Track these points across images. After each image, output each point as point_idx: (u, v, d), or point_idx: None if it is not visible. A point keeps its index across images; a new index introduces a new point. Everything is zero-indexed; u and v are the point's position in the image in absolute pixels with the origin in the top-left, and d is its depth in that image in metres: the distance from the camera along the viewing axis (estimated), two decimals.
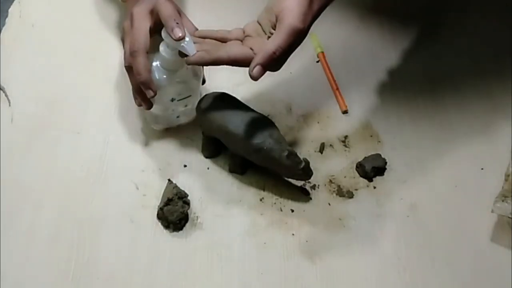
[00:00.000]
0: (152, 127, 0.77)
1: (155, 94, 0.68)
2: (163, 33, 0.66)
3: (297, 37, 0.63)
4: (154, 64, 0.70)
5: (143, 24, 0.69)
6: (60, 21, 0.88)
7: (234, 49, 0.65)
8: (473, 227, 0.71)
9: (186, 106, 0.74)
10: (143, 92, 0.69)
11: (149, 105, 0.71)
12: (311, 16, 0.65)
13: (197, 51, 0.65)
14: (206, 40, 0.68)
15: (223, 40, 0.68)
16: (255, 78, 0.63)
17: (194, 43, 0.66)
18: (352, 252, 0.69)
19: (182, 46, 0.65)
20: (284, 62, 0.66)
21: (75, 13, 0.89)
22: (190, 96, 0.72)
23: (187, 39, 0.65)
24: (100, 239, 0.68)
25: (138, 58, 0.67)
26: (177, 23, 0.65)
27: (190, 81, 0.72)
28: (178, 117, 0.75)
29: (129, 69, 0.69)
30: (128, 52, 0.69)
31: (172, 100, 0.72)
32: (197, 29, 0.72)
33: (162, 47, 0.68)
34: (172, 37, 0.65)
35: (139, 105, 0.72)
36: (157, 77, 0.69)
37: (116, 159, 0.74)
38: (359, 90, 0.83)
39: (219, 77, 0.82)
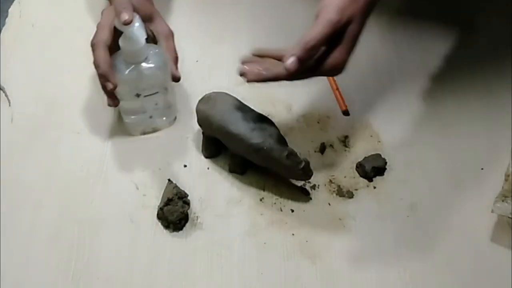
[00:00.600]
0: (131, 133, 0.76)
1: (115, 87, 0.68)
2: (116, 23, 0.66)
3: (333, 28, 0.61)
4: (116, 56, 0.69)
5: (107, 19, 0.70)
6: (60, 21, 0.88)
7: (279, 66, 0.64)
8: (473, 227, 0.71)
9: (156, 104, 0.74)
10: (108, 92, 0.69)
11: (115, 102, 0.71)
12: (354, 9, 0.62)
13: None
14: (265, 58, 0.67)
15: (280, 59, 0.64)
16: (289, 69, 0.61)
17: (246, 63, 0.65)
18: (352, 252, 0.69)
19: (131, 31, 0.65)
20: (324, 60, 0.63)
21: (75, 13, 0.89)
22: (157, 92, 0.72)
23: (136, 24, 0.65)
24: (100, 239, 0.68)
25: (97, 50, 0.68)
26: (125, 7, 0.65)
27: (154, 75, 0.70)
28: (151, 117, 0.75)
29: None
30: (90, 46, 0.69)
31: (138, 95, 0.71)
32: (172, 32, 0.75)
33: (120, 39, 0.68)
34: (120, 21, 0.65)
35: (109, 104, 0.71)
36: (118, 70, 0.69)
37: (116, 159, 0.74)
38: (359, 90, 0.83)
39: (219, 77, 0.82)
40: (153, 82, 0.71)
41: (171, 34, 0.75)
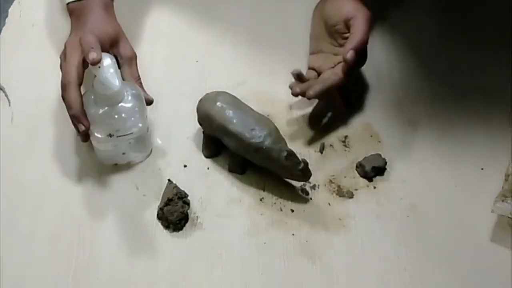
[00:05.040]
0: (102, 163, 0.74)
1: (87, 129, 0.66)
2: (90, 66, 0.64)
3: (370, 23, 0.75)
4: (89, 97, 0.67)
5: (74, 56, 0.68)
6: (60, 21, 0.88)
7: (338, 69, 0.75)
8: (473, 227, 0.71)
9: (130, 143, 0.70)
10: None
11: (84, 138, 0.69)
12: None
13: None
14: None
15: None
16: (350, 61, 0.72)
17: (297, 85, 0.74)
18: (352, 252, 0.69)
19: (104, 77, 0.63)
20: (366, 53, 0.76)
21: None
22: (131, 133, 0.69)
23: (111, 70, 0.63)
24: (100, 239, 0.68)
25: (69, 91, 0.66)
26: (92, 47, 0.64)
27: (130, 118, 0.68)
28: (124, 153, 0.72)
29: (63, 99, 0.68)
30: (61, 85, 0.67)
31: (110, 135, 0.68)
32: (135, 55, 0.75)
33: (94, 81, 0.65)
34: (88, 62, 0.63)
35: (82, 140, 0.70)
36: (91, 112, 0.66)
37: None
38: (359, 90, 0.83)
39: (219, 77, 0.82)
40: (129, 123, 0.68)
41: (134, 57, 0.75)
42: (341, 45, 0.77)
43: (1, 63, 0.82)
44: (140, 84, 0.75)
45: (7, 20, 0.88)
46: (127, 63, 0.74)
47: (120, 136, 0.68)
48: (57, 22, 0.88)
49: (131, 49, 0.75)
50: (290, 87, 0.75)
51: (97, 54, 0.63)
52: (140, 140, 0.72)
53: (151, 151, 0.75)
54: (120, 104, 0.67)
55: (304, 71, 0.78)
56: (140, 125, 0.69)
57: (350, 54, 0.72)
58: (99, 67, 0.63)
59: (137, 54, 0.76)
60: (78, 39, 0.68)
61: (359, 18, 0.74)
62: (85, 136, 0.69)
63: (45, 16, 0.89)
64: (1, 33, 0.86)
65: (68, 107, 0.67)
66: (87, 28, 0.72)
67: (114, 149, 0.71)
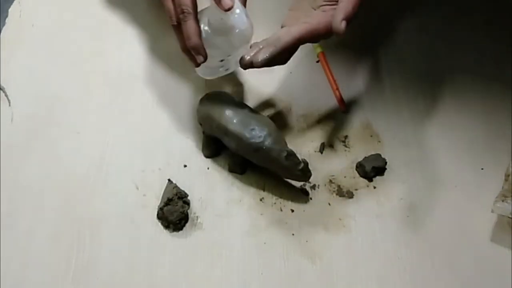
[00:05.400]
0: (198, 74, 0.74)
1: (206, 59, 0.66)
2: (211, 8, 0.63)
3: None
4: (204, 28, 0.66)
5: None
6: (60, 21, 0.88)
7: (294, 28, 0.66)
8: (473, 227, 0.71)
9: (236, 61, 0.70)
10: (191, 52, 0.67)
11: (198, 64, 0.68)
12: None
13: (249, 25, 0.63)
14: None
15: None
16: (342, 32, 0.64)
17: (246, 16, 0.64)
18: (352, 252, 0.69)
19: (230, 18, 0.62)
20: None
21: (75, 13, 0.89)
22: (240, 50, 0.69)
23: (237, 10, 0.62)
24: (100, 239, 0.68)
25: (188, 22, 0.64)
26: None
27: (243, 42, 0.68)
28: (227, 70, 0.73)
29: (177, 27, 0.66)
30: (175, 12, 0.65)
31: (222, 60, 0.70)
32: None
33: (208, 14, 0.64)
34: (221, 8, 0.62)
35: (191, 59, 0.69)
36: (206, 40, 0.66)
37: (116, 159, 0.74)
38: (359, 90, 0.83)
39: (219, 77, 0.82)
40: (241, 47, 0.68)
41: None
42: (318, 7, 0.69)
43: (1, 63, 0.82)
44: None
45: (7, 20, 0.88)
46: None
47: (230, 56, 0.69)
48: (57, 22, 0.88)
49: None
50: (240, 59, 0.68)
51: (232, 1, 0.61)
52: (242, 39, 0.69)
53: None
54: (234, 32, 0.66)
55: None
56: (249, 42, 0.68)
57: (343, 26, 0.64)
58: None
59: (137, 53, 0.76)
60: None
61: None
62: (198, 62, 0.67)
63: (45, 16, 0.89)
64: (1, 33, 0.86)
65: (187, 38, 0.65)
66: None
67: (219, 69, 0.71)
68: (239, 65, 0.69)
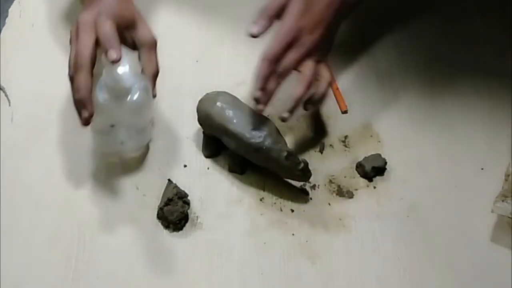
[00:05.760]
0: (97, 150, 0.72)
1: (90, 116, 0.63)
2: (103, 57, 0.62)
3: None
4: (100, 84, 0.64)
5: (87, 36, 0.64)
6: (60, 21, 0.88)
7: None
8: (473, 227, 0.71)
9: (129, 134, 0.69)
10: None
11: (85, 123, 0.65)
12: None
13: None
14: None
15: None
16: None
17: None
18: (352, 252, 0.69)
19: (118, 74, 0.61)
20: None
21: (75, 13, 0.89)
22: (133, 124, 0.68)
23: (124, 69, 0.61)
24: (100, 239, 0.68)
25: (80, 74, 0.62)
26: (112, 44, 0.62)
27: (136, 112, 0.67)
28: (122, 143, 0.70)
29: (71, 79, 0.65)
30: (71, 64, 0.64)
31: (112, 126, 0.67)
32: (155, 41, 0.68)
33: (105, 71, 0.63)
34: (107, 59, 0.61)
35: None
36: (99, 100, 0.64)
37: (116, 159, 0.74)
38: (359, 90, 0.83)
39: (219, 77, 0.82)
40: (133, 116, 0.67)
41: (154, 44, 0.69)
42: None
43: (1, 63, 0.82)
44: (156, 75, 0.69)
45: (7, 20, 0.88)
46: (145, 49, 0.68)
47: (122, 127, 0.67)
48: (57, 22, 0.88)
49: (150, 34, 0.68)
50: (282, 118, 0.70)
51: (117, 54, 0.61)
52: (140, 131, 0.70)
53: (148, 144, 0.73)
54: (128, 98, 0.65)
55: None
56: (144, 117, 0.68)
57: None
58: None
59: (137, 53, 0.76)
60: (92, 18, 0.64)
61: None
62: (86, 121, 0.64)
63: (45, 16, 0.89)
64: (1, 33, 0.86)
65: (76, 90, 0.63)
66: (102, 7, 0.66)
67: (111, 137, 0.69)
68: (138, 144, 0.70)
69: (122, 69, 0.62)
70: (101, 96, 0.65)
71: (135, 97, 0.65)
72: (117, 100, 0.65)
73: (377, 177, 0.75)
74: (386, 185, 0.74)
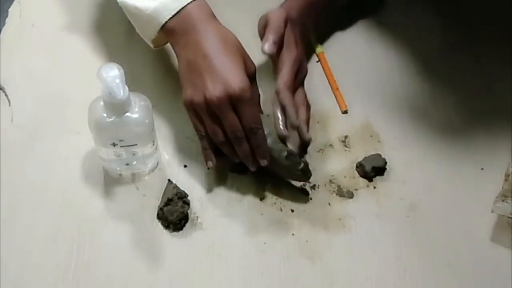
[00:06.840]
0: (108, 172, 0.73)
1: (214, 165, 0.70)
2: (98, 74, 0.62)
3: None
4: (99, 104, 0.65)
5: (231, 113, 0.67)
6: (60, 21, 0.88)
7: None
8: (473, 227, 0.71)
9: (134, 154, 0.69)
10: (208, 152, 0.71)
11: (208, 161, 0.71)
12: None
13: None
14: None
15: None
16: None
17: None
18: (352, 252, 0.69)
19: (110, 87, 0.61)
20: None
21: (75, 13, 0.89)
22: (135, 144, 0.68)
23: (111, 73, 0.61)
24: (100, 239, 0.68)
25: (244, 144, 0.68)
26: (209, 155, 0.71)
27: (135, 129, 0.66)
28: (127, 164, 0.71)
29: (222, 144, 0.69)
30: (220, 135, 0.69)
31: (114, 145, 0.67)
32: (255, 68, 0.73)
33: (102, 89, 0.63)
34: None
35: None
36: (97, 118, 0.65)
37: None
38: (359, 90, 0.83)
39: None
40: (134, 135, 0.67)
41: (254, 71, 0.73)
42: None
43: (1, 63, 0.82)
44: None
45: (7, 20, 0.88)
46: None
47: (124, 146, 0.68)
48: (57, 22, 0.88)
49: (252, 64, 0.72)
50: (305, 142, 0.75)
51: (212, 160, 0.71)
52: (146, 153, 0.71)
53: (157, 165, 0.74)
54: (126, 114, 0.65)
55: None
56: (146, 137, 0.69)
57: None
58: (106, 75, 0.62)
59: (137, 53, 0.76)
60: (221, 93, 0.66)
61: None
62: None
63: (45, 16, 0.89)
64: (1, 33, 0.86)
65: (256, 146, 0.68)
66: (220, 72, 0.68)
67: (117, 159, 0.70)
68: (143, 167, 0.72)
69: (114, 82, 0.62)
70: (100, 114, 0.65)
71: (133, 113, 0.66)
72: (116, 117, 0.65)
73: (377, 177, 0.75)
74: (386, 185, 0.74)
